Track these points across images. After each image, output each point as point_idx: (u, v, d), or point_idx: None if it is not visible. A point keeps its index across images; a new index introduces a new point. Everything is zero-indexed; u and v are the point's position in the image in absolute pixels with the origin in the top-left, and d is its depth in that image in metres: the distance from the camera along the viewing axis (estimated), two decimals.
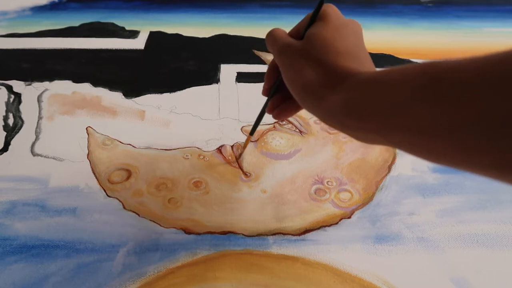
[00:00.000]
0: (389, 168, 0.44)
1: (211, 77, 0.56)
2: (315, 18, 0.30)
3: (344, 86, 0.25)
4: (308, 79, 0.28)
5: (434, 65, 0.21)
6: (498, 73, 0.17)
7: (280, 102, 0.34)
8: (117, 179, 0.42)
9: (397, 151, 0.46)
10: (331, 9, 0.30)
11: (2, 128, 0.47)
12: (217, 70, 0.57)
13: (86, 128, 0.47)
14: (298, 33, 0.31)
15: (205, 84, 0.54)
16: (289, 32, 0.32)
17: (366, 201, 0.41)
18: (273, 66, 0.34)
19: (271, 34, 0.32)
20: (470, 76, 0.18)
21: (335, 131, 0.48)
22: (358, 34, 0.30)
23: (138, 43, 0.61)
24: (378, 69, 0.26)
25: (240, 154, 0.44)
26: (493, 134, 0.17)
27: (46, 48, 0.60)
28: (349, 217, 0.39)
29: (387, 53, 0.60)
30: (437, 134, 0.20)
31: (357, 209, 0.40)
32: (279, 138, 0.47)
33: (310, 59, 0.28)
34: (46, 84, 0.53)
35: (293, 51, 0.29)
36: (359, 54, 0.28)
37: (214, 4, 0.71)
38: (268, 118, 0.49)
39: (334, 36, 0.28)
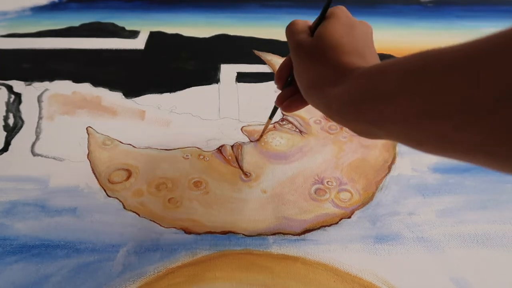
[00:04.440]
0: (389, 168, 0.44)
1: (211, 77, 0.56)
2: (323, 16, 0.31)
3: (344, 80, 0.26)
4: (314, 76, 0.29)
5: (422, 54, 0.21)
6: (475, 58, 0.18)
7: (290, 95, 0.35)
8: (117, 179, 0.42)
9: (397, 151, 0.46)
10: (339, 10, 0.31)
11: (2, 128, 0.47)
12: (217, 70, 0.57)
13: (86, 128, 0.47)
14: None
15: (205, 84, 0.54)
16: (311, 25, 0.33)
17: (366, 201, 0.41)
18: (286, 61, 0.36)
19: (289, 27, 0.33)
20: (448, 63, 0.19)
21: (335, 131, 0.48)
22: (367, 33, 0.30)
23: (138, 43, 0.61)
24: None
25: (261, 136, 0.46)
26: (467, 119, 0.18)
27: (46, 48, 0.60)
28: (349, 217, 0.39)
29: (387, 53, 0.60)
30: (419, 123, 0.20)
31: (357, 209, 0.40)
32: (279, 138, 0.47)
33: (318, 57, 0.29)
34: (46, 84, 0.53)
35: (304, 49, 0.30)
36: (365, 53, 0.28)
37: (214, 4, 0.71)
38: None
39: (342, 35, 0.29)
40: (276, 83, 0.37)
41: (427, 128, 0.20)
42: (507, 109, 0.16)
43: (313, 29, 0.31)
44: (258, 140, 0.46)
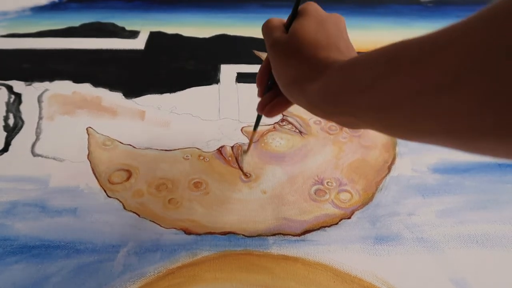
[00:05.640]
0: (389, 168, 0.44)
1: (211, 77, 0.56)
2: (295, 12, 0.31)
3: (321, 75, 0.27)
4: (292, 73, 0.29)
5: (395, 43, 0.22)
6: (444, 43, 0.18)
7: (270, 100, 0.35)
8: (118, 179, 0.42)
9: (397, 151, 0.46)
10: (311, 6, 0.31)
11: (2, 128, 0.47)
12: (217, 70, 0.57)
13: (87, 129, 0.47)
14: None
15: (205, 84, 0.54)
16: (285, 22, 0.33)
17: (366, 201, 0.41)
18: (265, 65, 0.35)
19: (265, 25, 0.33)
20: (418, 50, 0.20)
21: (335, 131, 0.48)
22: (339, 26, 0.31)
23: (138, 43, 0.61)
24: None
25: (247, 150, 0.45)
26: (437, 99, 0.18)
27: (46, 48, 0.60)
28: (349, 218, 0.39)
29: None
30: (396, 107, 0.21)
31: (357, 209, 0.40)
32: (279, 139, 0.47)
33: (294, 54, 0.29)
34: (46, 84, 0.53)
35: (280, 46, 0.30)
36: (339, 45, 0.29)
37: (214, 4, 0.71)
38: (268, 119, 0.49)
39: (315, 30, 0.29)
40: (257, 86, 0.37)
41: (400, 112, 0.21)
42: (466, 86, 0.17)
43: (287, 26, 0.32)
44: (246, 152, 0.45)
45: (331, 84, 0.26)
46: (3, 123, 0.48)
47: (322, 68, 0.27)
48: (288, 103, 0.34)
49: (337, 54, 0.28)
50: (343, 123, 0.28)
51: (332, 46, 0.28)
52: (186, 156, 0.44)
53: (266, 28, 0.33)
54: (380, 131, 0.25)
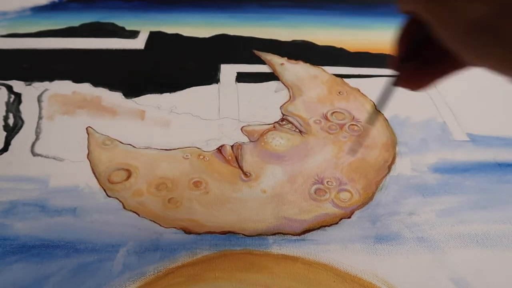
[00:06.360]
0: (389, 168, 0.44)
1: (211, 77, 0.56)
2: None
3: None
4: (474, 15, 0.21)
5: None
6: None
7: (414, 72, 0.28)
8: (117, 179, 0.42)
9: (397, 151, 0.46)
10: None
11: (2, 128, 0.47)
12: (217, 70, 0.57)
13: (86, 128, 0.47)
14: None
15: (205, 84, 0.54)
16: None
17: (366, 201, 0.41)
18: (407, 28, 0.28)
19: None
20: None
21: (335, 131, 0.48)
22: None
23: (138, 43, 0.61)
24: None
25: (355, 152, 0.46)
26: None
27: (46, 48, 0.60)
28: (349, 217, 0.39)
29: (387, 53, 0.60)
30: None
31: (357, 209, 0.40)
32: (279, 138, 0.47)
33: None
34: (46, 84, 0.53)
35: None
36: None
37: (214, 4, 0.71)
38: (268, 118, 0.49)
39: None
40: (396, 53, 0.29)
41: None
42: None
43: None
44: (354, 154, 0.46)
45: None
46: (3, 123, 0.48)
47: None
48: (443, 72, 0.27)
49: None
50: None
51: None
52: (186, 156, 0.44)
53: None
54: None
